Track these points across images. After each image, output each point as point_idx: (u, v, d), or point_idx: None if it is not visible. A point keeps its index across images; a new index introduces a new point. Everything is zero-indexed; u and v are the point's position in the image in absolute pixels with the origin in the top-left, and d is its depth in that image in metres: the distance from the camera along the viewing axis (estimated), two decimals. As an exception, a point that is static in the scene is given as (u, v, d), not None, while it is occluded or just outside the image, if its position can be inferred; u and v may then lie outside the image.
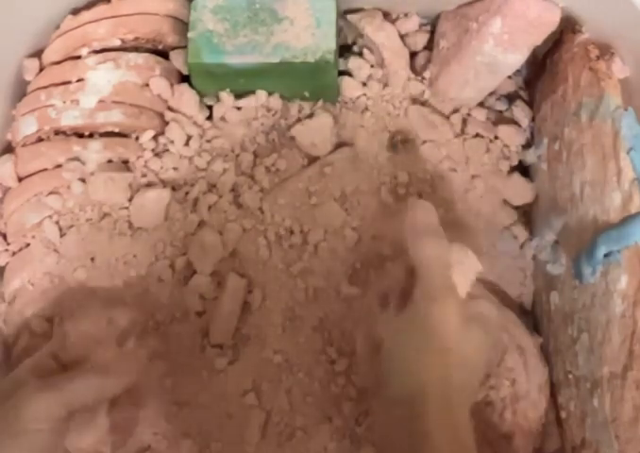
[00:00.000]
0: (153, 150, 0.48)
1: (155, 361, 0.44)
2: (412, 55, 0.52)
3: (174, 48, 0.50)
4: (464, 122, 0.50)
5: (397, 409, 0.35)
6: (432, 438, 0.33)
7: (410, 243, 0.38)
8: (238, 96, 0.49)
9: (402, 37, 0.51)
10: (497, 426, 0.43)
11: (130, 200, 0.47)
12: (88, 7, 0.49)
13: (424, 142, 0.49)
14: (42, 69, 0.49)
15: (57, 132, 0.48)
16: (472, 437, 0.34)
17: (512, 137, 0.49)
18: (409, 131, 0.49)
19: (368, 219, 0.47)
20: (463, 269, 0.38)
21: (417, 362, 0.35)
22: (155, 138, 0.48)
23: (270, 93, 0.49)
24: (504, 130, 0.49)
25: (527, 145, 0.50)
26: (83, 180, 0.47)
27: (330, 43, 0.47)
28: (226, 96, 0.49)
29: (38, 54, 0.49)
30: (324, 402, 0.44)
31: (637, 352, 0.36)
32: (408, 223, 0.39)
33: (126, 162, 0.48)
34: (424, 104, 0.50)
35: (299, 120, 0.49)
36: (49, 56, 0.49)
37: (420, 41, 0.52)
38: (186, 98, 0.48)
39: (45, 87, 0.48)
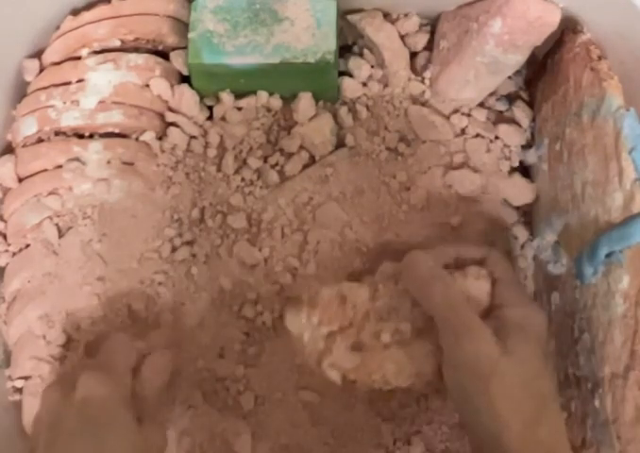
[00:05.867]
0: (153, 150, 0.48)
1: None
2: (413, 55, 0.52)
3: (174, 49, 0.50)
4: (465, 122, 0.50)
5: None
6: None
7: (418, 298, 0.39)
8: (238, 97, 0.49)
9: (402, 37, 0.51)
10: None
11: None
12: (88, 7, 0.49)
13: (424, 142, 0.49)
14: (42, 69, 0.49)
15: (57, 133, 0.48)
16: None
17: (512, 137, 0.49)
18: (409, 131, 0.49)
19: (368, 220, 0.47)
20: (478, 286, 0.39)
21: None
22: (155, 138, 0.48)
23: (270, 94, 0.49)
24: (504, 130, 0.49)
25: (527, 146, 0.50)
26: (83, 181, 0.47)
27: (331, 44, 0.47)
28: (226, 97, 0.49)
29: (38, 54, 0.49)
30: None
31: (639, 352, 0.35)
32: (408, 278, 0.39)
33: (126, 163, 0.48)
34: (424, 104, 0.50)
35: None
36: (49, 56, 0.49)
37: (420, 41, 0.52)
38: (186, 99, 0.48)
39: (45, 87, 0.48)
